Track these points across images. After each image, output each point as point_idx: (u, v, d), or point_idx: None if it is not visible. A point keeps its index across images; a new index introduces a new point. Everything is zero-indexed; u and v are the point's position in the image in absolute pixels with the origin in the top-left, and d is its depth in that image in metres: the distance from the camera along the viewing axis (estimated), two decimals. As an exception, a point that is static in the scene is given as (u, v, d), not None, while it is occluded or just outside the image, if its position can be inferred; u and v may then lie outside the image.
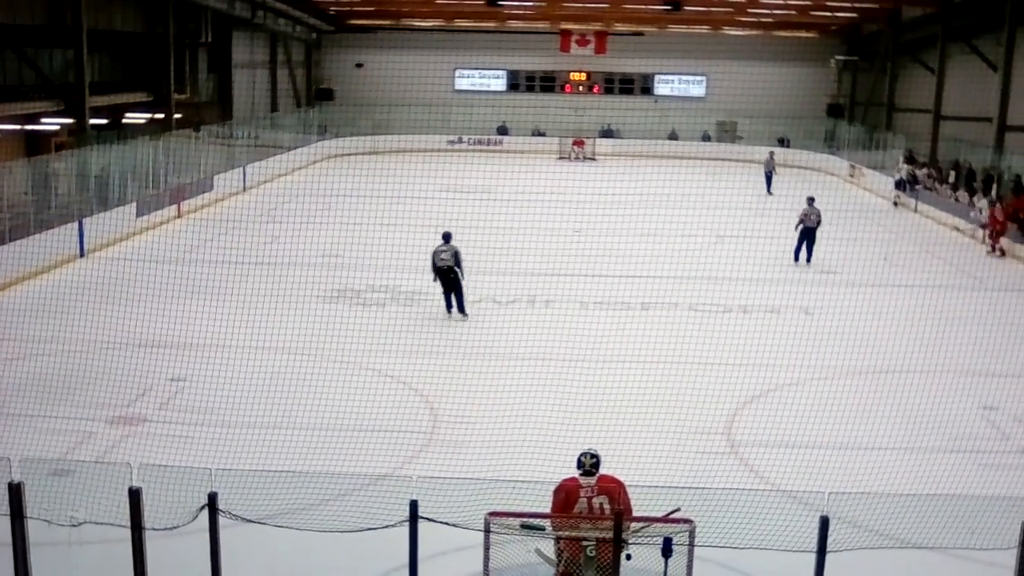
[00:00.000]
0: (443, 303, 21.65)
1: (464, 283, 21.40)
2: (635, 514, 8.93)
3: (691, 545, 8.55)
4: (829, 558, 8.33)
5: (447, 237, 21.53)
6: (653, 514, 8.83)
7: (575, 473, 9.20)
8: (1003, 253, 30.46)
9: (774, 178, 44.04)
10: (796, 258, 27.81)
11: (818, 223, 27.65)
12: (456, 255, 21.27)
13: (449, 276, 21.27)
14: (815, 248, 27.76)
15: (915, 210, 39.56)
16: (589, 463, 9.18)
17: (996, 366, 18.13)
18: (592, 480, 9.11)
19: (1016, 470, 13.93)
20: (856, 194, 45.63)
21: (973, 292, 25.19)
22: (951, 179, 39.98)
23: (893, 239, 33.19)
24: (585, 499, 9.03)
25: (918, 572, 10.69)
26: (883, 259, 29.24)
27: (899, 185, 41.15)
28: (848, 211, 38.40)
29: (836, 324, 21.02)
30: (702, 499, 8.80)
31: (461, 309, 21.48)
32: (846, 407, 15.91)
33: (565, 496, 9.08)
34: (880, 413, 15.77)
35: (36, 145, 34.14)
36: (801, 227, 27.74)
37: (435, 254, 21.37)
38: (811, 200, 27.63)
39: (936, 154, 44.18)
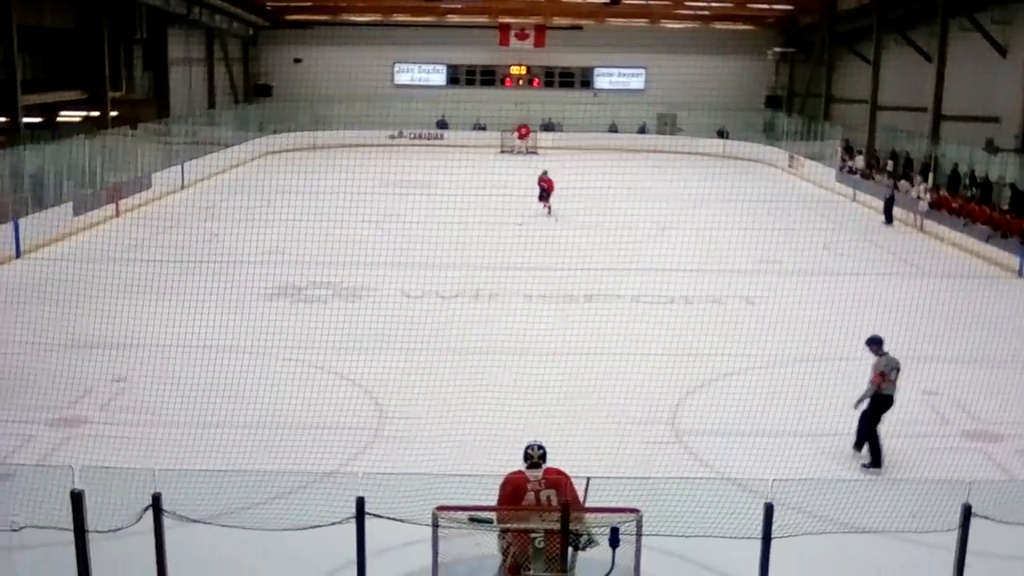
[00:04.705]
0: None
1: None
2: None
3: (638, 535, 8.59)
4: (774, 544, 8.41)
5: None
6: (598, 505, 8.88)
7: (521, 466, 9.21)
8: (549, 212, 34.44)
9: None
10: (859, 446, 14.18)
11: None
12: None
13: None
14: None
15: (854, 199, 40.04)
16: (537, 455, 9.19)
17: (935, 351, 18.38)
18: (539, 473, 9.12)
19: (956, 453, 14.16)
20: (796, 184, 46.09)
21: (912, 279, 25.53)
22: (888, 167, 40.52)
23: (833, 228, 33.56)
24: (532, 493, 9.04)
25: (862, 556, 10.82)
26: (823, 248, 29.56)
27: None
28: (788, 201, 38.81)
29: (778, 313, 21.20)
30: (648, 488, 8.85)
31: None
32: (789, 394, 16.05)
33: (512, 490, 9.08)
34: (822, 400, 15.91)
35: (-33, 145, 33.54)
36: (869, 397, 14.08)
37: None
38: (878, 342, 14.35)
39: (873, 144, 44.75)
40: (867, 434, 13.98)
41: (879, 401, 13.97)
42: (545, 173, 35.55)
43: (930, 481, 12.87)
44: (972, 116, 36.22)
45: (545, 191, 35.07)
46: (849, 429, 14.67)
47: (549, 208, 34.76)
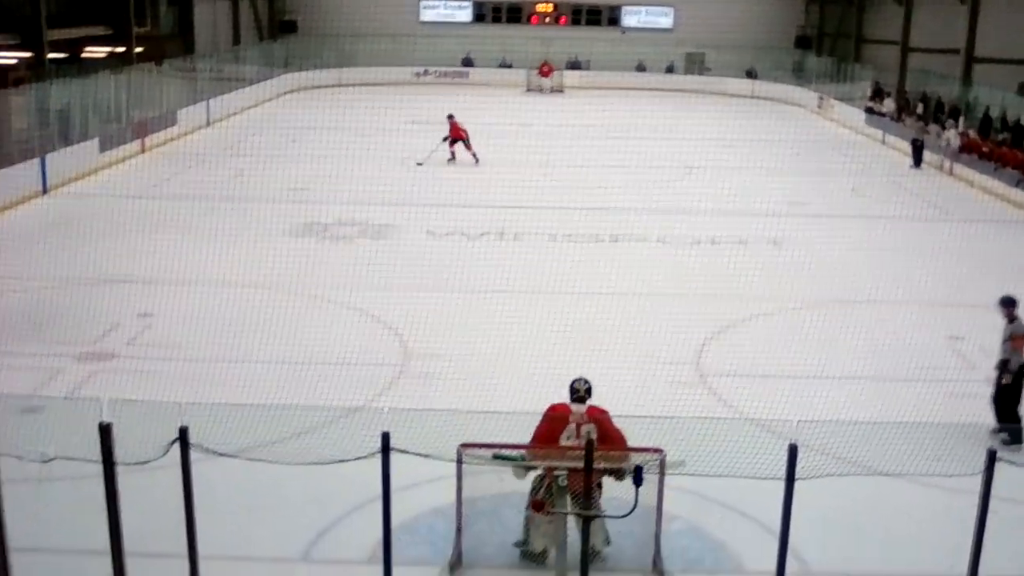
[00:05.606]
0: None
1: None
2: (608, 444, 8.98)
3: (661, 474, 8.62)
4: (797, 485, 8.41)
5: None
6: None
7: (565, 400, 9.24)
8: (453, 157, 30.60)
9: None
10: (1016, 439, 12.64)
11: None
12: None
13: None
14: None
15: (883, 141, 39.64)
16: (583, 388, 9.25)
17: (962, 297, 18.26)
18: (583, 408, 9.16)
19: (981, 399, 14.02)
20: (824, 126, 45.62)
21: (939, 223, 25.33)
22: (919, 110, 40.06)
23: (861, 170, 33.23)
24: (574, 424, 9.06)
25: (885, 498, 10.83)
26: (851, 190, 29.32)
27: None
28: (816, 143, 38.46)
29: (804, 255, 21.09)
30: (672, 428, 8.85)
31: None
32: (814, 337, 16.01)
33: (550, 423, 9.11)
34: (848, 343, 15.89)
35: (-8, 79, 33.53)
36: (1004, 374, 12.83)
37: None
38: (1014, 303, 12.90)
39: (904, 86, 44.20)
40: (1001, 411, 12.70)
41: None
42: (451, 116, 31.23)
43: (955, 426, 12.85)
44: (1005, 59, 35.66)
45: (452, 138, 30.72)
46: (874, 374, 14.64)
47: (454, 154, 30.63)
